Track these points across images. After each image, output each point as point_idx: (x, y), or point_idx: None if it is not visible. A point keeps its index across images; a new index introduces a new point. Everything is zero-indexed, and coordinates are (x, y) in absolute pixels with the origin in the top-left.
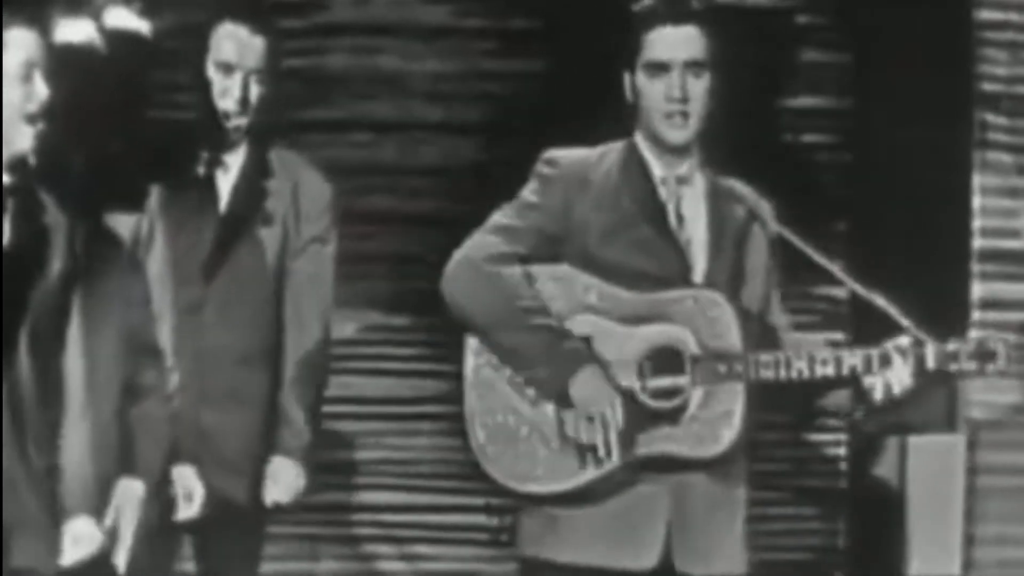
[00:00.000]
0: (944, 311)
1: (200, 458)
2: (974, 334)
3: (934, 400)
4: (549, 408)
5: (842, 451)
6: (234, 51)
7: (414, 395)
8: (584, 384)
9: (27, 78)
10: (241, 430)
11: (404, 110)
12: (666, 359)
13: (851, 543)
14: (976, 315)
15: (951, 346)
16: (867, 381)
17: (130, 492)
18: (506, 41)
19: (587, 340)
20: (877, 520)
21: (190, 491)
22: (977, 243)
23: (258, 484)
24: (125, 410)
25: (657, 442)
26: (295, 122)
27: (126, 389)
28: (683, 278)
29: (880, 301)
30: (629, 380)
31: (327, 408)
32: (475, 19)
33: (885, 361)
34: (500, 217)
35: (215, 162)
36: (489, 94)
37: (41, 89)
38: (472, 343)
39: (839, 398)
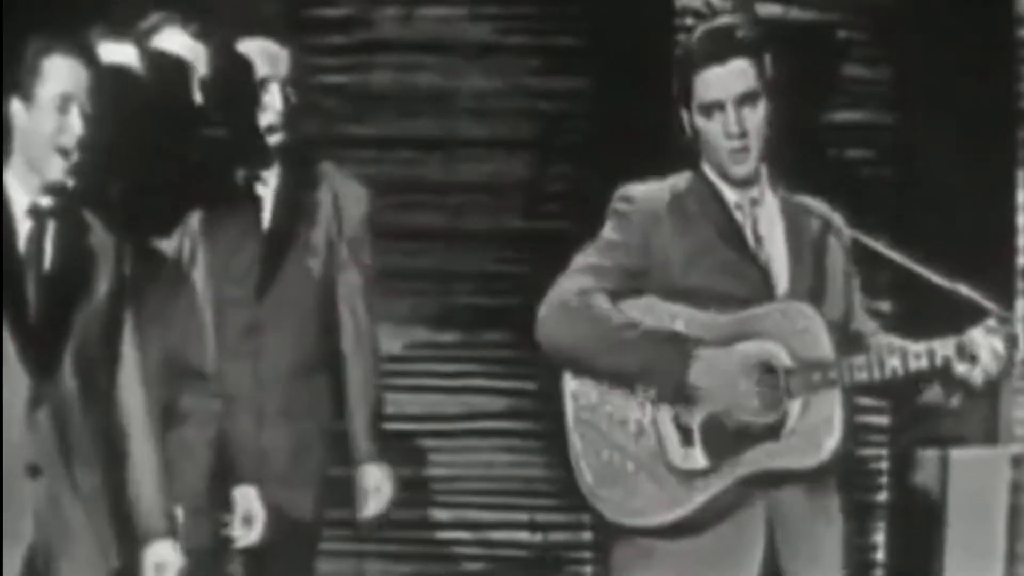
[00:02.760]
0: None
1: (260, 477)
2: None
3: (973, 413)
4: (651, 440)
5: (883, 464)
6: (267, 64)
7: (460, 412)
8: (705, 370)
9: (63, 110)
10: (300, 445)
11: (448, 127)
12: (762, 375)
13: (890, 557)
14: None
15: None
16: (959, 369)
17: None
18: (550, 58)
19: None
20: (917, 534)
21: (251, 514)
22: (1021, 260)
23: (320, 499)
24: (163, 435)
25: (760, 459)
26: (340, 138)
27: (164, 413)
28: (767, 296)
29: (964, 289)
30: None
31: None
32: (519, 36)
33: (978, 340)
34: (583, 258)
35: (254, 179)
36: (533, 111)
37: (76, 123)
38: (570, 386)
39: (933, 393)
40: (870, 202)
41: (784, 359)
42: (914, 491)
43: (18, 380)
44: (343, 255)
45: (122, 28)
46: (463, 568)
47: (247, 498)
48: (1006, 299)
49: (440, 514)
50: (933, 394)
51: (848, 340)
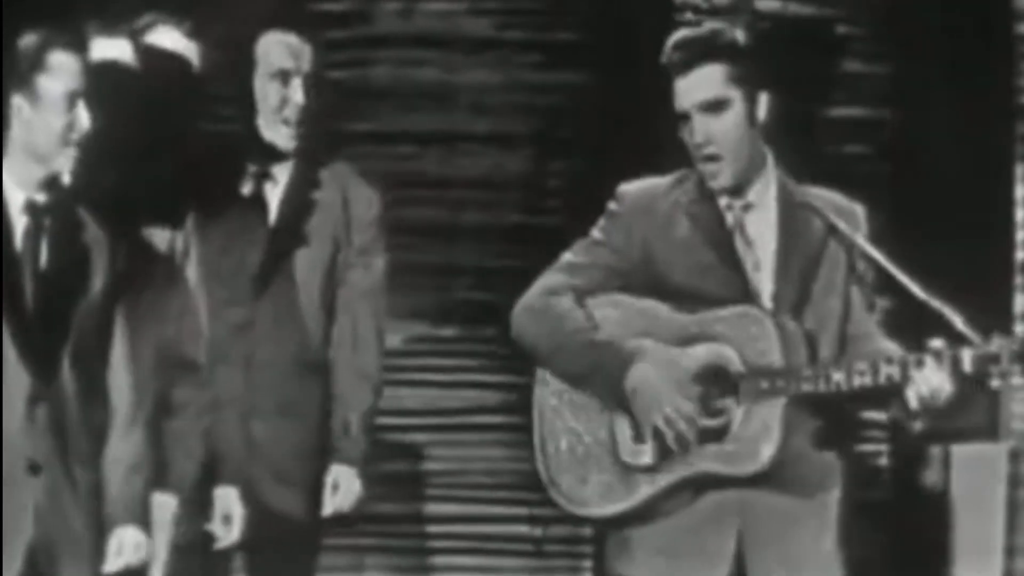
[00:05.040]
0: (987, 324)
1: (252, 474)
2: (1020, 332)
3: (976, 409)
4: (604, 431)
5: (885, 460)
6: (289, 58)
7: (460, 406)
8: (639, 376)
9: (72, 106)
10: (295, 444)
11: (448, 122)
12: (713, 378)
13: (893, 553)
14: (1020, 328)
15: (993, 347)
16: (907, 392)
17: (163, 508)
18: (549, 53)
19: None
20: (920, 529)
21: (229, 514)
22: (1020, 255)
23: (315, 497)
24: (158, 424)
25: (700, 461)
26: (339, 134)
27: (159, 403)
28: (745, 299)
29: (936, 304)
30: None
31: None
32: (518, 31)
33: (920, 366)
34: (568, 255)
35: (264, 176)
36: (532, 106)
37: (84, 119)
38: (538, 373)
39: (893, 409)
40: (868, 198)
41: (736, 364)
42: (917, 487)
43: (18, 378)
44: (350, 257)
45: (117, 24)
46: (462, 562)
47: (227, 498)
48: (1005, 296)
49: (439, 508)
50: (892, 411)
51: (839, 345)
